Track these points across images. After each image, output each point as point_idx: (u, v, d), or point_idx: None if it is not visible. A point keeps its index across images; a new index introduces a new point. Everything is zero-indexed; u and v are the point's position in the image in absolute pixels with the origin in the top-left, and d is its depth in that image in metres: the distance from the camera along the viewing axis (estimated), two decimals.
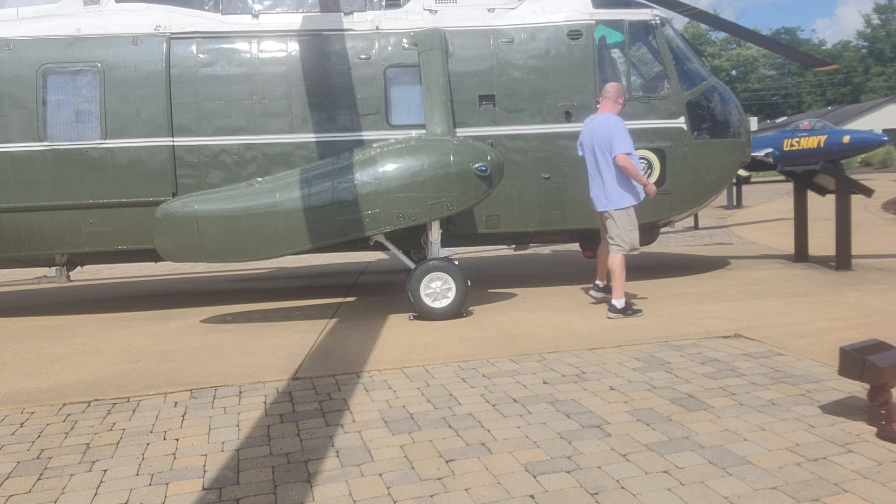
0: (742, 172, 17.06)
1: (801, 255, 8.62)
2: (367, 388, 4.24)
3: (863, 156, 30.47)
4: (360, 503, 2.74)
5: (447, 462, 3.08)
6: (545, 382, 4.18)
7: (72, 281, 7.74)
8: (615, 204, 6.05)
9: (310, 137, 6.84)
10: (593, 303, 6.46)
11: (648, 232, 7.94)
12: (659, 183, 7.20)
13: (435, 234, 6.41)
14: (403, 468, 3.04)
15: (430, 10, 7.09)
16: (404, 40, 6.99)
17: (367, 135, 6.84)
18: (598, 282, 6.60)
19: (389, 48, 6.97)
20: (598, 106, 6.42)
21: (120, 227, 6.69)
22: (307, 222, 6.05)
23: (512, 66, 7.03)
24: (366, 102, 6.89)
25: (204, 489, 2.93)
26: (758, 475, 2.81)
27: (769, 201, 19.38)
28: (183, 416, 3.90)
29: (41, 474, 3.17)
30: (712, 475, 2.82)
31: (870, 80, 64.09)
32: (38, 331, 6.57)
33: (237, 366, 4.92)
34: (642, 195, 6.13)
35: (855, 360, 3.23)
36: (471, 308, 6.51)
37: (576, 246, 8.97)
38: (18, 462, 3.32)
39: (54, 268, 7.36)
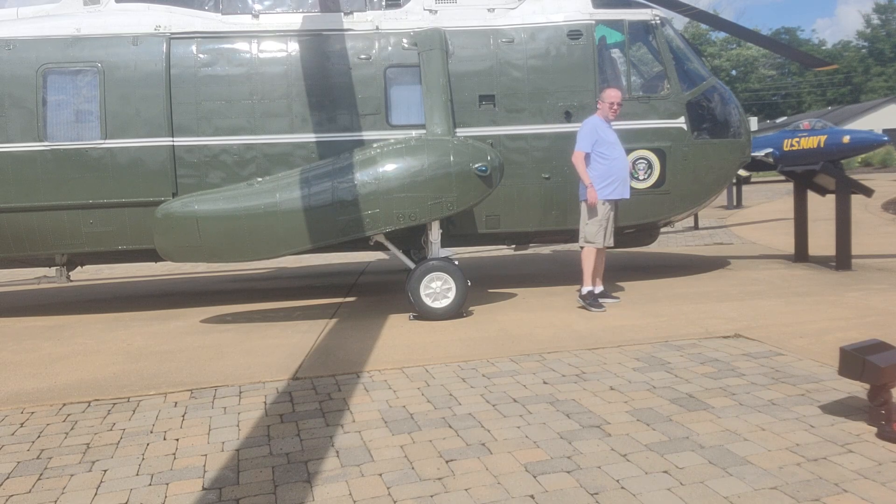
0: (742, 172, 17.05)
1: (801, 255, 8.62)
2: (367, 388, 4.24)
3: (863, 156, 30.46)
4: (360, 503, 2.74)
5: (447, 462, 3.08)
6: (545, 382, 4.18)
7: (72, 281, 7.74)
8: (581, 196, 6.49)
9: (310, 137, 6.84)
10: (603, 311, 6.27)
11: (648, 232, 7.96)
12: (659, 183, 7.22)
13: (435, 234, 6.41)
14: (403, 468, 3.04)
15: (430, 10, 7.09)
16: (404, 40, 6.99)
17: (367, 135, 6.84)
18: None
19: (389, 48, 6.97)
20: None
21: (120, 227, 6.69)
22: (307, 222, 6.05)
23: (512, 66, 7.03)
24: (366, 102, 6.89)
25: (204, 489, 2.93)
26: (758, 475, 2.81)
27: (769, 201, 19.38)
28: (183, 416, 3.90)
29: (41, 474, 3.17)
30: (712, 475, 2.82)
31: (870, 80, 64.08)
32: (38, 331, 6.57)
33: (237, 366, 4.92)
34: (606, 194, 6.35)
35: (855, 360, 3.23)
36: (471, 308, 6.51)
37: (576, 246, 8.94)
38: (18, 462, 3.32)
39: (54, 268, 7.36)
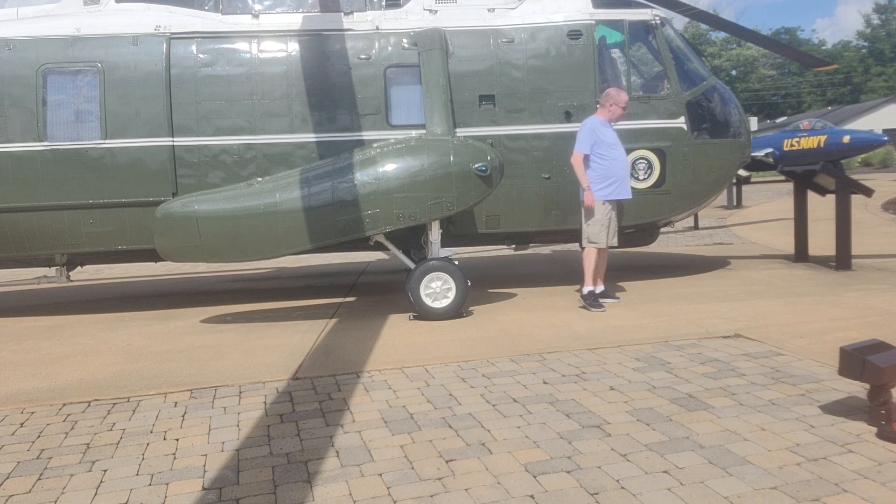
0: (742, 172, 17.05)
1: (801, 255, 8.62)
2: (367, 388, 4.24)
3: (863, 156, 30.46)
4: (360, 503, 2.74)
5: (447, 462, 3.08)
6: (545, 382, 4.18)
7: (72, 281, 7.74)
8: (580, 197, 6.49)
9: (310, 137, 6.84)
10: (603, 311, 6.27)
11: (648, 232, 7.95)
12: (659, 183, 7.22)
13: (435, 234, 6.41)
14: (403, 468, 3.04)
15: (430, 10, 7.09)
16: (404, 40, 6.99)
17: (367, 135, 6.84)
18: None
19: (389, 48, 6.96)
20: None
21: (120, 227, 6.69)
22: (307, 222, 6.05)
23: (512, 66, 7.03)
24: (366, 102, 6.88)
25: (204, 489, 2.93)
26: (758, 475, 2.81)
27: (769, 201, 19.38)
28: (183, 416, 3.90)
29: (41, 474, 3.17)
30: (712, 475, 2.82)
31: (870, 80, 64.08)
32: (38, 331, 6.57)
33: (237, 366, 4.92)
34: (606, 194, 6.37)
35: (855, 360, 3.23)
36: (471, 308, 6.51)
37: (576, 246, 8.95)
38: (18, 462, 3.32)
39: (54, 268, 7.36)
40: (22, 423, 3.89)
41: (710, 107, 7.49)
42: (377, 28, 6.99)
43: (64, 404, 4.21)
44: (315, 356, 5.10)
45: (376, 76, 6.90)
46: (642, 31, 7.45)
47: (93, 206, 6.62)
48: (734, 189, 17.96)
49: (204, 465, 3.18)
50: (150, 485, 3.00)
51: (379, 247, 6.71)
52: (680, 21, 48.33)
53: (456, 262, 6.47)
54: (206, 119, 6.72)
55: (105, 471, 3.17)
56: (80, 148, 6.60)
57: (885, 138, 25.90)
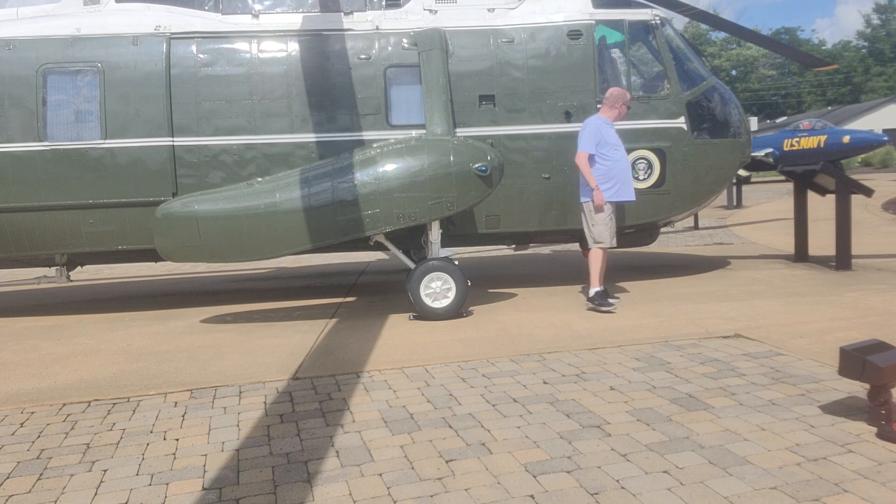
0: (742, 172, 17.04)
1: (801, 255, 8.62)
2: (367, 388, 4.24)
3: (863, 156, 30.45)
4: (360, 503, 2.74)
5: (447, 462, 3.08)
6: (545, 382, 4.18)
7: (72, 281, 7.74)
8: (583, 196, 6.44)
9: (310, 137, 6.84)
10: (613, 310, 6.18)
11: (648, 232, 7.96)
12: (659, 183, 7.22)
13: (435, 234, 6.41)
14: (403, 468, 3.04)
15: (430, 10, 7.09)
16: (404, 40, 6.99)
17: (367, 135, 6.84)
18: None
19: (389, 48, 6.96)
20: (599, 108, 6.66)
21: (120, 227, 6.69)
22: (307, 222, 6.05)
23: (512, 66, 7.02)
24: (366, 102, 6.88)
25: (204, 489, 2.93)
26: (758, 475, 2.81)
27: (769, 201, 19.38)
28: (183, 416, 3.90)
29: (41, 474, 3.17)
30: (712, 475, 2.82)
31: (870, 80, 64.08)
32: (38, 331, 6.57)
33: (237, 366, 4.92)
34: (608, 196, 6.28)
35: (855, 360, 3.23)
36: (471, 308, 6.51)
37: (576, 246, 8.96)
38: (18, 462, 3.32)
39: (54, 268, 7.36)
40: (22, 423, 3.89)
41: (710, 107, 7.49)
42: (377, 28, 6.99)
43: (64, 404, 4.21)
44: (315, 356, 5.10)
45: (376, 76, 6.90)
46: (642, 31, 7.45)
47: (93, 206, 6.62)
48: (734, 189, 17.96)
49: (204, 465, 3.18)
50: (150, 485, 3.00)
51: (379, 247, 6.71)
52: (680, 21, 48.34)
53: (456, 262, 6.47)
54: (206, 119, 6.72)
55: (105, 471, 3.17)
56: (80, 148, 6.60)
57: (885, 138, 25.89)
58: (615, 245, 6.57)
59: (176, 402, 4.16)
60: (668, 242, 11.67)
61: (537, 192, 7.10)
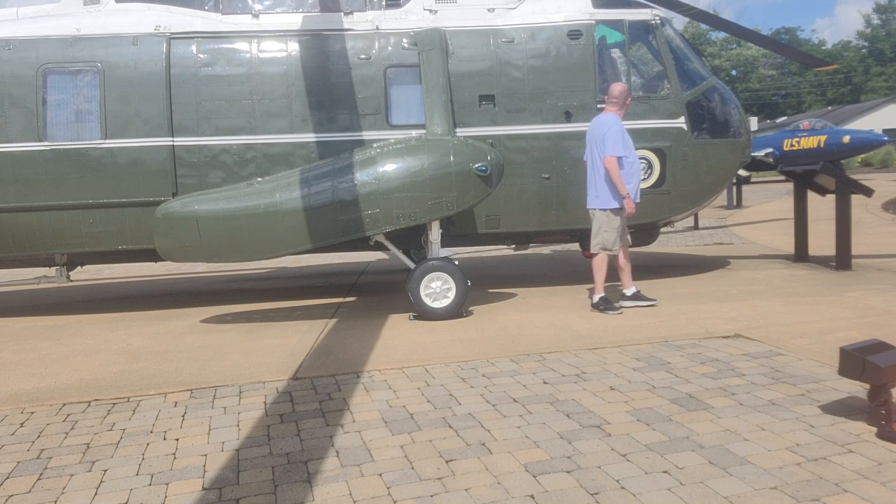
0: (742, 172, 17.04)
1: (801, 255, 8.62)
2: (367, 388, 4.24)
3: (863, 156, 30.46)
4: (360, 503, 2.74)
5: (447, 462, 3.08)
6: (545, 382, 4.18)
7: (72, 281, 7.74)
8: (602, 204, 6.20)
9: (310, 137, 6.84)
10: (619, 312, 6.10)
11: (648, 232, 7.95)
12: (659, 183, 7.22)
13: (435, 234, 6.41)
14: (403, 468, 3.04)
15: (430, 10, 7.09)
16: (404, 40, 6.99)
17: (367, 135, 6.84)
18: (623, 290, 6.39)
19: (389, 48, 6.96)
20: (604, 107, 6.53)
21: (120, 227, 6.69)
22: (307, 222, 6.05)
23: (512, 66, 7.02)
24: (366, 102, 6.88)
25: (204, 489, 2.93)
26: (758, 475, 2.80)
27: (769, 201, 19.38)
28: (183, 416, 3.90)
29: (41, 474, 3.17)
30: (712, 475, 2.82)
31: (870, 80, 64.10)
32: (38, 331, 6.57)
33: (237, 366, 4.92)
34: (621, 201, 6.12)
35: (855, 360, 3.23)
36: (471, 308, 6.51)
37: (576, 246, 8.96)
38: (18, 462, 3.32)
39: (54, 268, 7.36)
40: (22, 423, 3.89)
41: (710, 107, 7.49)
42: (377, 28, 6.99)
43: (64, 404, 4.21)
44: (315, 356, 5.10)
45: (376, 76, 6.90)
46: (642, 31, 7.45)
47: (93, 206, 6.62)
48: (734, 189, 17.96)
49: (204, 465, 3.18)
50: (150, 485, 3.00)
51: (379, 247, 6.71)
52: (680, 21, 48.34)
53: (456, 262, 6.47)
54: (206, 119, 6.72)
55: (105, 471, 3.17)
56: (80, 148, 6.60)
57: (885, 138, 25.92)
58: (629, 244, 6.48)
59: (176, 402, 4.16)
60: (668, 242, 11.67)
61: (537, 192, 7.09)
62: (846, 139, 24.09)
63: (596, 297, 6.20)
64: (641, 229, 7.70)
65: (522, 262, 10.32)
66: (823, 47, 69.76)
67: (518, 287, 7.73)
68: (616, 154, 6.03)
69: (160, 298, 8.36)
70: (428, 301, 6.21)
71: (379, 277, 9.48)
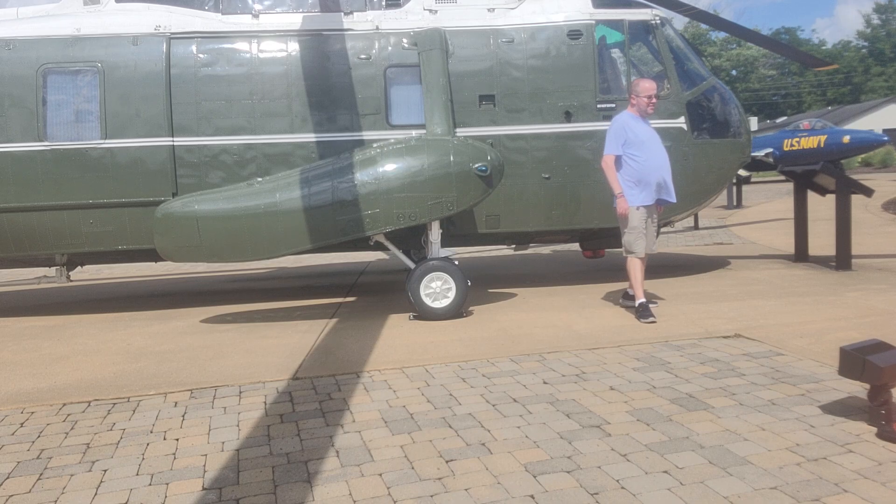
0: (742, 172, 17.05)
1: (801, 255, 8.62)
2: (367, 388, 4.24)
3: (863, 156, 30.48)
4: (360, 503, 2.74)
5: (447, 462, 3.08)
6: (545, 382, 4.18)
7: (72, 281, 7.74)
8: (615, 202, 6.01)
9: (310, 137, 6.84)
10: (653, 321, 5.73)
11: None
12: None
13: (435, 234, 6.41)
14: (403, 468, 3.04)
15: (430, 10, 7.09)
16: (404, 40, 6.99)
17: (367, 135, 6.84)
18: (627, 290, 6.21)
19: (389, 48, 6.96)
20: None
21: (120, 227, 6.69)
22: (307, 222, 6.05)
23: (512, 66, 7.02)
24: (366, 102, 6.88)
25: (204, 489, 2.93)
26: (758, 475, 2.80)
27: (769, 201, 19.38)
28: (183, 416, 3.90)
29: (41, 474, 3.17)
30: (712, 475, 2.82)
31: (870, 80, 64.10)
32: (38, 331, 6.57)
33: (237, 366, 4.92)
34: (637, 200, 5.84)
35: (855, 360, 3.23)
36: (471, 308, 6.51)
37: (576, 246, 8.96)
38: (18, 462, 3.32)
39: (54, 268, 7.36)
40: (22, 423, 3.89)
41: (710, 107, 7.49)
42: (377, 28, 6.99)
43: (64, 404, 4.21)
44: (315, 356, 5.10)
45: (376, 76, 6.90)
46: (642, 31, 7.45)
47: (93, 206, 6.62)
48: (734, 189, 17.96)
49: (204, 465, 3.18)
50: (150, 485, 3.00)
51: (379, 247, 6.71)
52: (680, 21, 48.35)
53: (456, 262, 6.47)
54: (206, 119, 6.72)
55: (105, 471, 3.17)
56: (80, 148, 6.60)
57: (885, 138, 25.92)
58: (653, 251, 6.10)
59: (176, 402, 4.16)
60: (668, 242, 11.67)
61: (537, 192, 7.09)
62: (846, 139, 24.13)
63: (636, 302, 5.84)
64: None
65: (522, 262, 10.32)
66: (823, 47, 69.77)
67: (518, 287, 7.74)
68: (608, 153, 5.87)
69: (160, 298, 8.36)
70: (428, 301, 6.21)
71: (379, 277, 9.48)
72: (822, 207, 9.16)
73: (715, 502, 2.61)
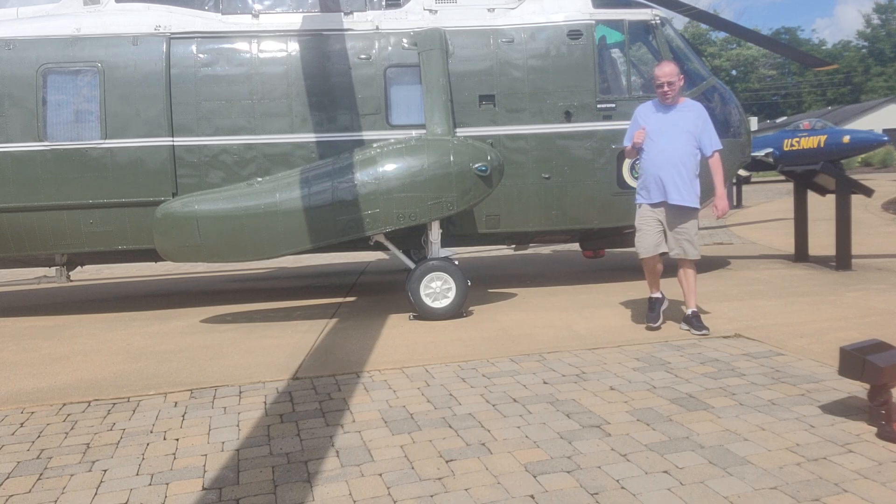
0: (742, 172, 17.05)
1: (801, 255, 8.62)
2: (367, 388, 4.24)
3: (863, 156, 30.48)
4: (360, 503, 2.74)
5: (447, 462, 3.08)
6: (545, 382, 4.18)
7: (72, 281, 7.74)
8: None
9: (310, 137, 6.84)
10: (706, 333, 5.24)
11: None
12: None
13: (435, 234, 6.41)
14: (403, 468, 3.04)
15: (430, 10, 7.09)
16: (404, 40, 6.98)
17: (367, 135, 6.84)
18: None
19: (389, 48, 6.96)
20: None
21: (120, 227, 6.69)
22: (307, 222, 6.05)
23: (512, 66, 7.02)
24: (366, 102, 6.88)
25: (204, 489, 2.93)
26: (758, 475, 2.80)
27: (769, 201, 19.37)
28: (183, 416, 3.90)
29: (41, 474, 3.17)
30: (712, 475, 2.82)
31: (870, 80, 64.11)
32: (38, 331, 6.57)
33: (237, 366, 4.92)
34: (639, 198, 5.47)
35: (855, 360, 3.23)
36: (471, 308, 6.51)
37: (576, 246, 8.96)
38: (18, 462, 3.32)
39: (54, 268, 7.36)
40: (22, 423, 3.89)
41: (710, 106, 7.45)
42: (377, 28, 6.99)
43: (64, 404, 4.21)
44: (315, 356, 5.10)
45: (376, 76, 6.90)
46: (642, 31, 7.45)
47: (93, 206, 6.62)
48: (734, 189, 17.97)
49: (204, 465, 3.18)
50: (150, 485, 3.00)
51: (379, 247, 6.71)
52: (680, 21, 48.35)
53: (456, 262, 6.47)
54: (206, 119, 6.72)
55: (105, 471, 3.17)
56: (80, 148, 6.60)
57: (885, 138, 25.93)
58: (664, 252, 5.46)
59: (176, 402, 4.16)
60: None
61: (537, 192, 7.09)
62: (846, 139, 24.13)
63: (688, 310, 5.37)
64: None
65: (522, 262, 10.32)
66: (823, 47, 69.77)
67: (518, 287, 7.73)
68: (625, 144, 5.57)
69: (160, 298, 8.36)
70: (428, 301, 6.21)
71: (379, 277, 9.48)
72: (822, 207, 9.16)
73: (715, 502, 2.61)
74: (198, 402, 4.13)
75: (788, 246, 9.24)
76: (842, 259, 7.77)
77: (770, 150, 24.30)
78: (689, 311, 5.37)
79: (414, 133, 6.69)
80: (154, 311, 7.38)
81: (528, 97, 7.02)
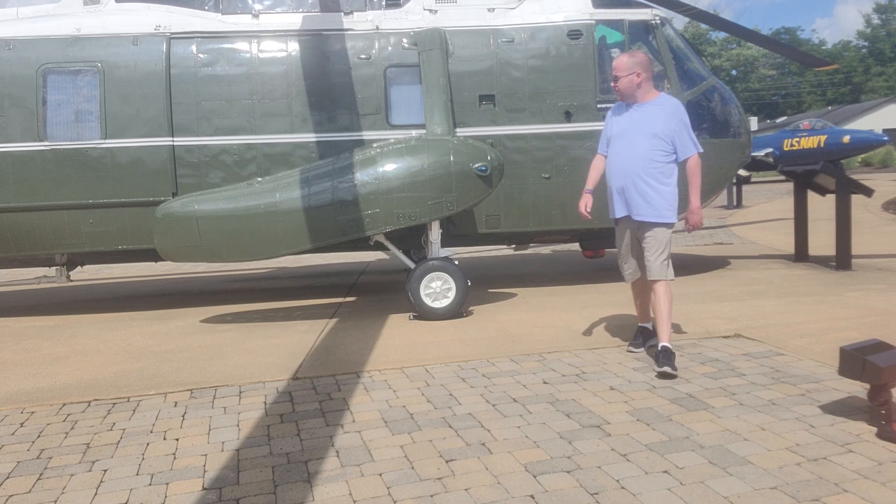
0: (742, 172, 17.05)
1: (801, 255, 8.62)
2: (367, 388, 4.24)
3: (863, 156, 30.49)
4: (360, 503, 2.74)
5: (447, 462, 3.08)
6: (545, 382, 4.18)
7: (72, 281, 7.74)
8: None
9: (310, 137, 6.84)
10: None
11: None
12: None
13: (435, 234, 6.42)
14: (403, 468, 3.04)
15: (430, 10, 7.09)
16: (404, 40, 6.99)
17: (367, 135, 6.84)
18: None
19: (389, 48, 6.96)
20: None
21: (120, 227, 6.69)
22: (307, 222, 6.05)
23: (512, 66, 7.02)
24: (366, 102, 6.88)
25: (204, 489, 2.93)
26: (758, 475, 2.80)
27: (769, 201, 19.37)
28: (183, 416, 3.90)
29: (41, 474, 3.17)
30: (712, 475, 2.82)
31: (870, 80, 64.11)
32: (38, 331, 6.57)
33: (237, 366, 4.92)
34: (610, 212, 4.73)
35: (855, 360, 3.23)
36: (471, 308, 6.51)
37: (576, 246, 8.96)
38: (18, 462, 3.32)
39: (54, 268, 7.36)
40: (22, 423, 3.89)
41: (710, 107, 7.49)
42: (377, 28, 6.99)
43: (64, 404, 4.21)
44: (315, 356, 5.10)
45: (376, 76, 6.90)
46: (642, 31, 7.45)
47: (93, 206, 6.62)
48: (734, 189, 17.98)
49: (204, 465, 3.18)
50: (150, 485, 3.00)
51: (379, 247, 6.71)
52: (680, 21, 48.36)
53: (456, 262, 6.47)
54: (206, 119, 6.72)
55: (105, 471, 3.17)
56: (80, 148, 6.60)
57: (885, 138, 25.94)
58: (638, 276, 4.87)
59: (176, 402, 4.16)
60: None
61: (537, 192, 7.09)
62: (846, 139, 24.14)
63: (659, 345, 4.35)
64: None
65: (522, 262, 10.32)
66: (823, 47, 69.78)
67: (518, 287, 7.73)
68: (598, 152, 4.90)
69: (160, 298, 8.36)
70: (428, 301, 6.21)
71: (379, 277, 9.48)
72: (822, 207, 9.16)
73: (715, 502, 2.61)
74: (198, 402, 4.13)
75: (788, 246, 9.24)
76: (842, 259, 7.77)
77: (770, 150, 24.31)
78: (659, 346, 4.32)
79: (414, 133, 6.69)
80: (154, 311, 7.38)
81: (528, 97, 7.02)
